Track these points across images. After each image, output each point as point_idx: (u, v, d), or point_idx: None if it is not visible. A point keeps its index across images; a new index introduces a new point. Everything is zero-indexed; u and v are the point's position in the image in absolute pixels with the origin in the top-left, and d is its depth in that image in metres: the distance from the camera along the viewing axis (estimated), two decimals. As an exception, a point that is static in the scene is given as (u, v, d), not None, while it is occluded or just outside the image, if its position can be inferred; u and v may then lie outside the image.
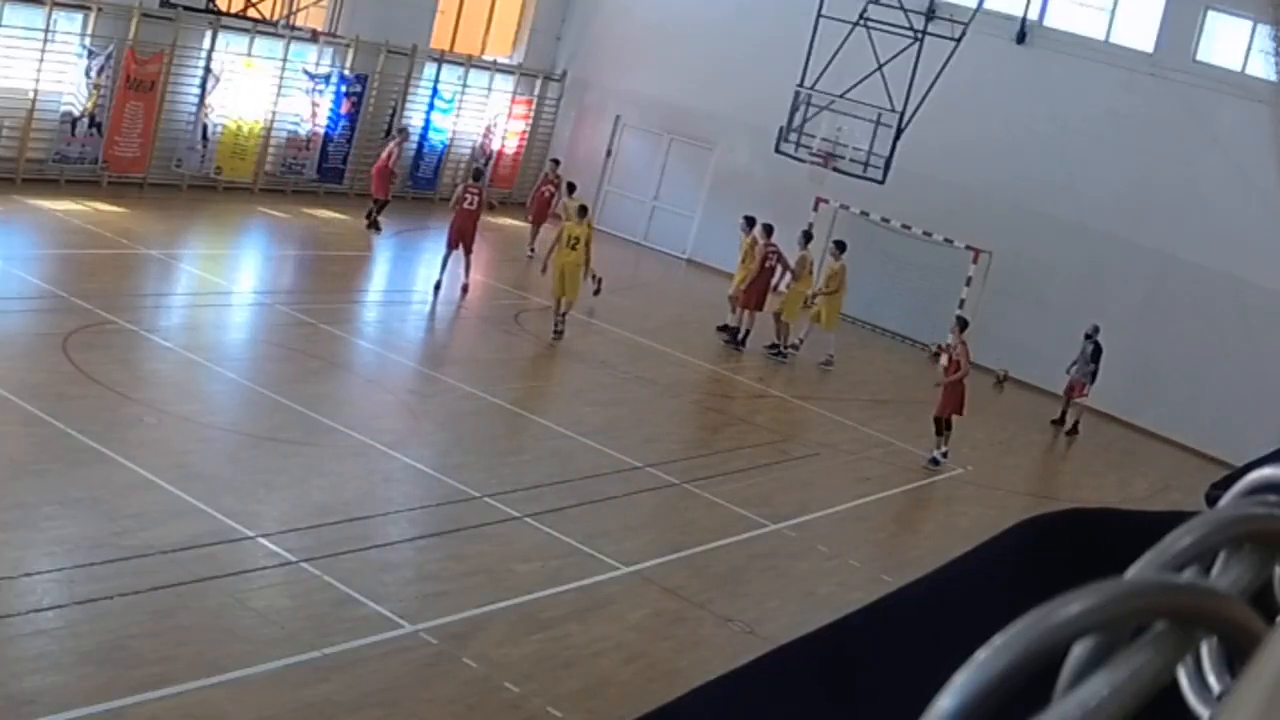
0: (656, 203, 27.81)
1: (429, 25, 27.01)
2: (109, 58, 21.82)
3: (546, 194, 25.76)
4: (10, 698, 8.22)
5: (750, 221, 23.00)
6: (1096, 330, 22.39)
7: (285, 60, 24.53)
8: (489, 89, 28.58)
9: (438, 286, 20.83)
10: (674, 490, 14.91)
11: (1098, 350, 22.32)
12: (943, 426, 18.23)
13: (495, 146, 28.94)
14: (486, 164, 27.29)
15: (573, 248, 19.78)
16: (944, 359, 18.74)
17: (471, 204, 21.08)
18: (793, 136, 23.34)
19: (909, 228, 25.23)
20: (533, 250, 24.59)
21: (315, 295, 19.73)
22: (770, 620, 12.00)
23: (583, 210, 20.72)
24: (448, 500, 13.06)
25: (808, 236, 22.94)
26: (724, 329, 22.36)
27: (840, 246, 22.82)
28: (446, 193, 27.85)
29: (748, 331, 22.00)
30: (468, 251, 21.04)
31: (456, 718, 9.37)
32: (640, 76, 28.33)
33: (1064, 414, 22.71)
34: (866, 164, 22.56)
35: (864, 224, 25.50)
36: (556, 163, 26.57)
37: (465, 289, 21.15)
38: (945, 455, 18.23)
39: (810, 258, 22.73)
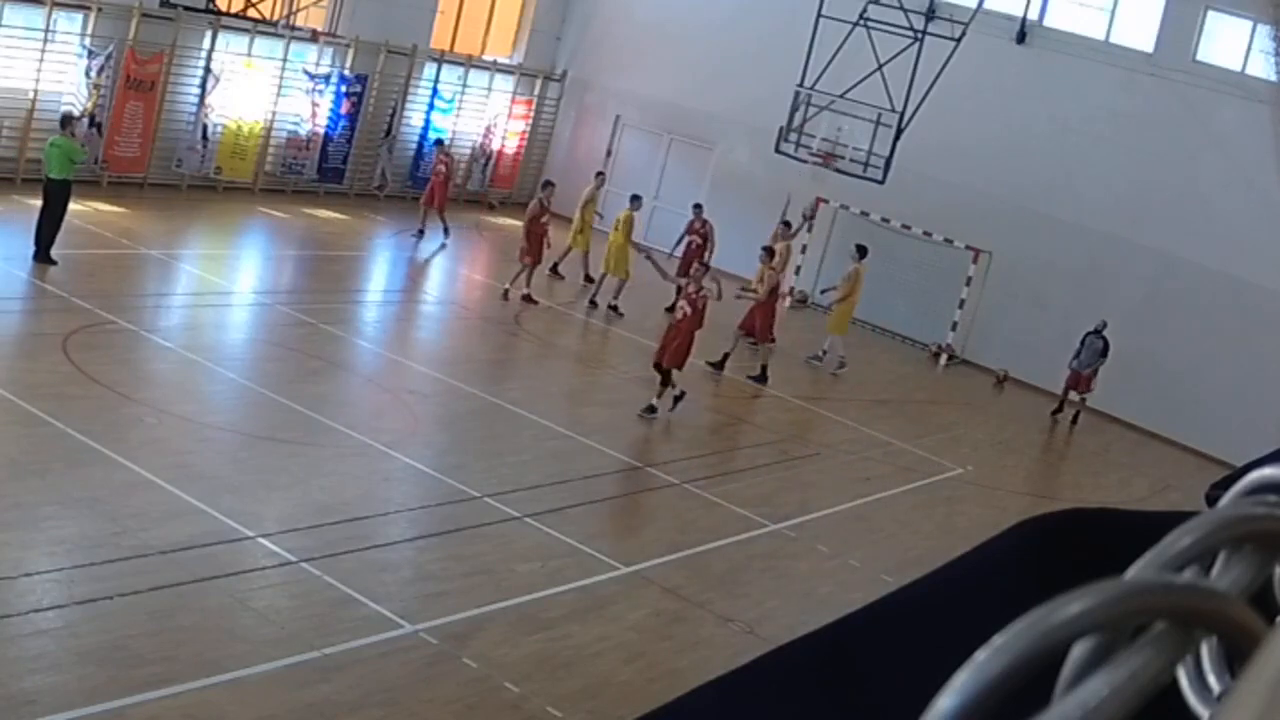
0: (657, 203, 27.78)
1: (429, 25, 27.01)
2: (109, 58, 21.82)
3: (441, 174, 25.16)
4: (10, 698, 8.22)
5: (788, 226, 23.02)
6: (1105, 325, 22.43)
7: (285, 60, 24.53)
8: (489, 89, 28.58)
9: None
10: (674, 490, 14.91)
11: (1107, 346, 22.37)
12: (666, 376, 17.06)
13: (495, 146, 28.94)
14: (487, 164, 27.40)
15: (615, 229, 22.37)
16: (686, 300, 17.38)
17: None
18: (793, 136, 23.34)
19: (909, 228, 25.23)
20: (422, 231, 24.69)
21: (315, 295, 19.73)
22: (770, 620, 12.00)
23: (633, 199, 23.25)
24: (448, 500, 13.06)
25: (862, 250, 22.63)
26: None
27: (861, 251, 22.69)
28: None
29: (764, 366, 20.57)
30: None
31: (456, 718, 9.37)
32: (640, 76, 28.33)
33: (1062, 404, 22.75)
34: (866, 164, 22.55)
35: (864, 224, 25.50)
36: (440, 143, 26.22)
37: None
38: (659, 407, 17.09)
39: (861, 269, 22.46)
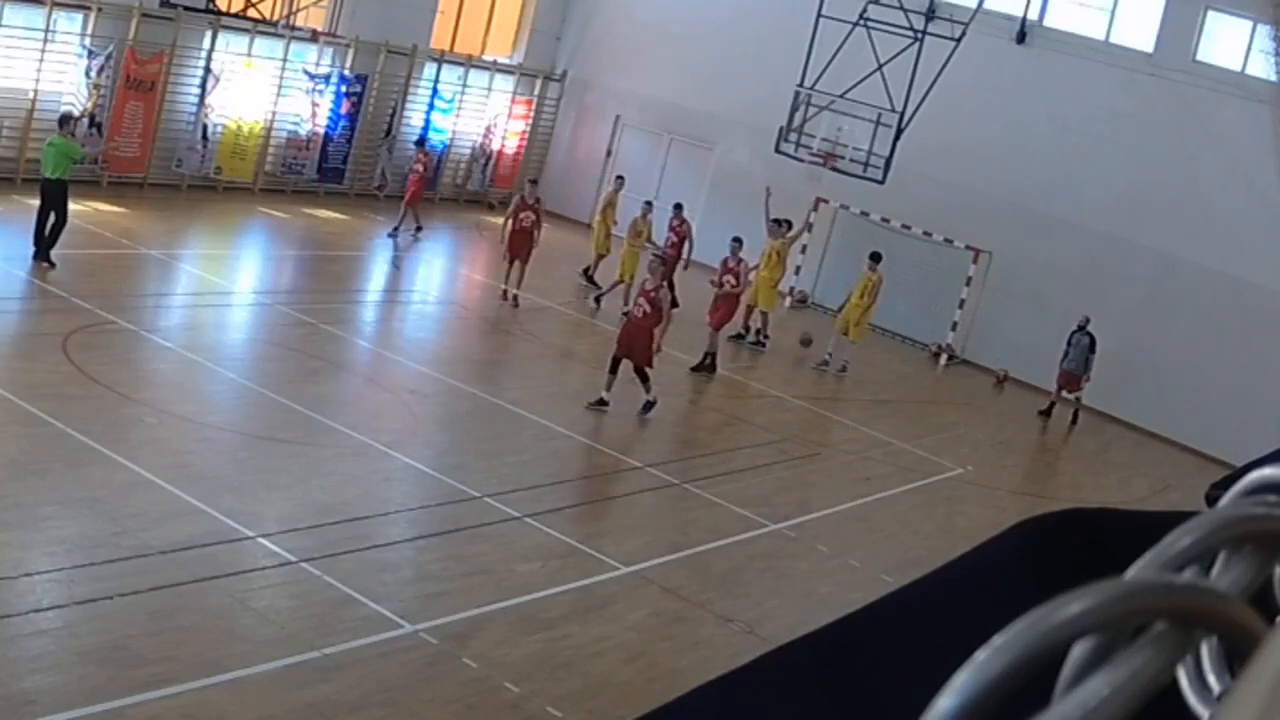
0: (657, 203, 27.79)
1: (429, 25, 27.02)
2: (109, 58, 21.83)
3: (418, 173, 25.01)
4: (10, 698, 8.22)
5: (782, 224, 22.93)
6: (1088, 321, 22.40)
7: (285, 60, 24.54)
8: (489, 89, 28.59)
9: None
10: (674, 490, 14.90)
11: (1094, 342, 22.35)
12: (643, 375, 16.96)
13: (495, 146, 28.94)
14: (487, 164, 27.35)
15: (628, 234, 22.89)
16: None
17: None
18: (793, 136, 23.34)
19: (909, 228, 25.23)
20: (420, 228, 24.61)
21: (315, 295, 19.73)
22: (770, 620, 12.00)
23: (646, 205, 23.65)
24: (448, 500, 13.06)
25: (876, 257, 22.39)
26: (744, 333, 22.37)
27: (876, 258, 22.42)
28: (446, 193, 27.99)
29: (713, 354, 20.38)
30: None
31: (456, 718, 9.37)
32: (640, 76, 28.33)
33: (1051, 406, 22.74)
34: (866, 164, 22.55)
35: (864, 224, 25.50)
36: (420, 142, 26.16)
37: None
38: (655, 401, 17.06)
39: (874, 277, 22.22)
